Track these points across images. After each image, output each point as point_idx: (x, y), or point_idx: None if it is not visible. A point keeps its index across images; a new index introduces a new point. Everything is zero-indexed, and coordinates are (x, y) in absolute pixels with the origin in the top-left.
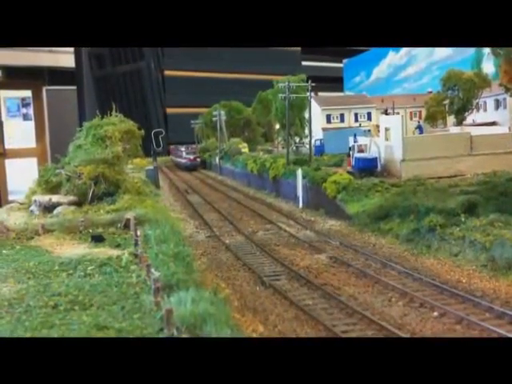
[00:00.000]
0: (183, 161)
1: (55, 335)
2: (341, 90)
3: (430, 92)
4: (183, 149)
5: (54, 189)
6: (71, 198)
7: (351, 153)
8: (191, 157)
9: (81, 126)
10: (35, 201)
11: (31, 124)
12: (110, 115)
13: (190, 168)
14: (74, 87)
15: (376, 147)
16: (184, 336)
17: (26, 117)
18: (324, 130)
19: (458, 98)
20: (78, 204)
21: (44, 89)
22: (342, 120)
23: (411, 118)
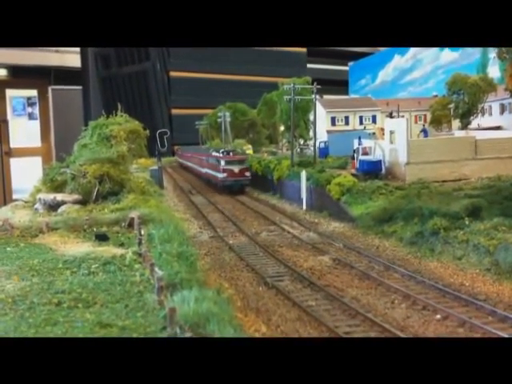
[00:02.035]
0: (220, 175)
1: (59, 332)
2: (346, 92)
3: (436, 96)
4: (219, 154)
5: (58, 187)
6: (76, 196)
7: (356, 155)
8: (235, 169)
9: (86, 125)
10: (40, 199)
11: (36, 123)
12: (116, 115)
13: (234, 188)
14: (80, 87)
15: (380, 150)
16: (187, 336)
17: (31, 116)
18: (329, 132)
19: (464, 102)
20: (83, 203)
21: (50, 88)
22: (347, 122)
23: (416, 122)
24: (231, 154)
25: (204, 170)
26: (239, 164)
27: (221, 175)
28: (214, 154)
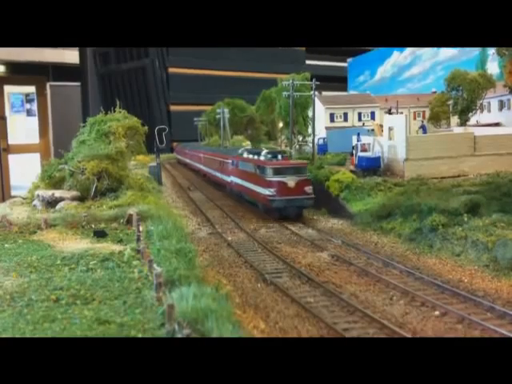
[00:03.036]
0: (265, 191)
1: (57, 329)
2: (345, 89)
3: (434, 92)
4: (260, 157)
5: (57, 184)
6: (74, 193)
7: (354, 152)
8: (291, 182)
9: (84, 121)
10: (38, 195)
11: (35, 120)
12: (114, 111)
13: (289, 212)
14: (78, 83)
15: (379, 146)
16: (185, 333)
17: (29, 112)
18: (327, 128)
19: (462, 98)
20: (81, 199)
21: (48, 84)
22: (346, 119)
23: (415, 118)
24: (280, 157)
25: (229, 179)
26: (296, 173)
27: (266, 191)
28: (251, 156)
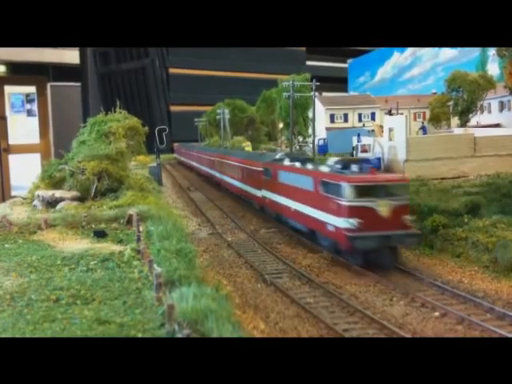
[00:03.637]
0: (339, 223)
1: (57, 329)
2: (345, 90)
3: (435, 93)
4: (322, 167)
5: (57, 184)
6: (74, 193)
7: (354, 152)
8: (383, 208)
9: (85, 122)
10: (38, 196)
11: (35, 120)
12: (114, 112)
13: (380, 256)
14: (79, 83)
15: (379, 147)
16: (185, 333)
17: (30, 113)
18: (328, 129)
19: (463, 99)
20: (81, 199)
21: (48, 85)
22: (346, 120)
23: (415, 119)
24: (356, 168)
25: (261, 194)
26: (390, 195)
27: (342, 223)
28: (298, 165)
